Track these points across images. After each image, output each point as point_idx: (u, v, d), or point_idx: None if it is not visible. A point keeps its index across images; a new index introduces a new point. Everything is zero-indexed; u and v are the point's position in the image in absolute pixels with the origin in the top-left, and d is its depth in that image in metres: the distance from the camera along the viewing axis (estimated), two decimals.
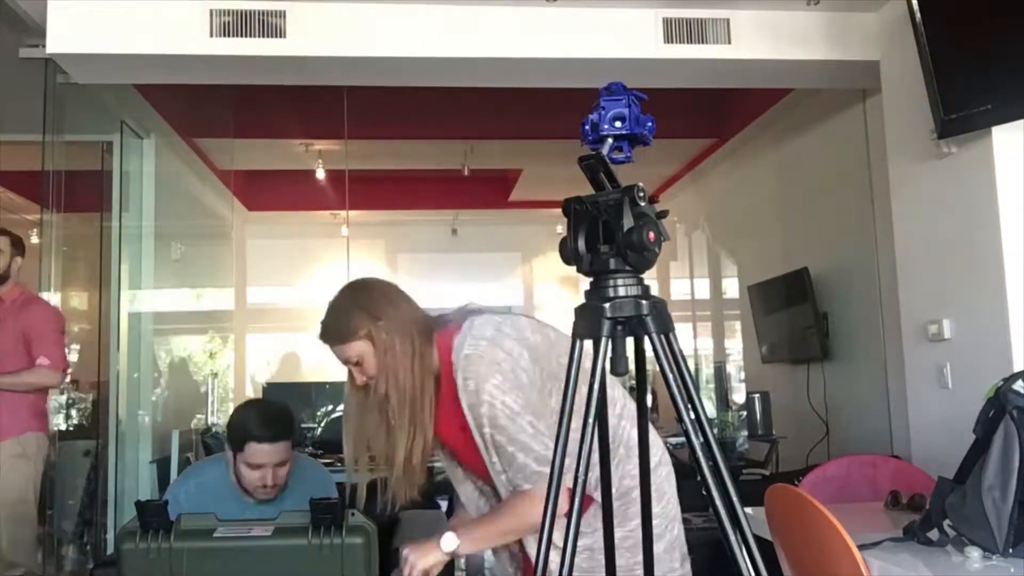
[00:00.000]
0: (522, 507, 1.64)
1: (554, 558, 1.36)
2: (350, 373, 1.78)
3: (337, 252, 6.20)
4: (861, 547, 1.77)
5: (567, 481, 1.21)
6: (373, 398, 1.76)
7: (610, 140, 1.23)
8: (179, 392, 5.30)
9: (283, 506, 2.27)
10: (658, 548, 1.73)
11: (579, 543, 1.57)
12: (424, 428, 1.71)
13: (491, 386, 1.63)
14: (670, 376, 1.19)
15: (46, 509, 3.65)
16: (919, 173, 3.18)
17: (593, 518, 1.62)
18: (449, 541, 1.67)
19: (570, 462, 1.20)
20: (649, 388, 4.76)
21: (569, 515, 1.18)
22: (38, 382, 3.29)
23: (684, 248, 6.83)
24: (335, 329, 1.74)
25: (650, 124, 1.25)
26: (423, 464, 1.74)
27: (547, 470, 1.28)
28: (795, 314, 4.63)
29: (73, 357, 5.64)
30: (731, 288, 6.13)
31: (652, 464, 1.75)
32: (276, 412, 2.27)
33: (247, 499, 2.29)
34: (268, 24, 3.24)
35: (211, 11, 3.22)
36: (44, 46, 3.20)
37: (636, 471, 1.71)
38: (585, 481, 1.19)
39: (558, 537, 1.16)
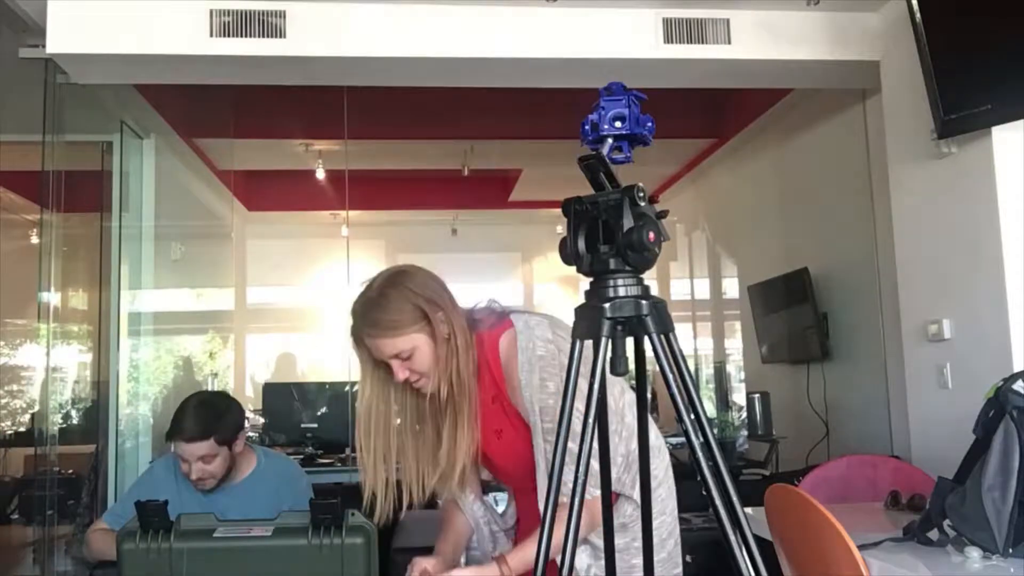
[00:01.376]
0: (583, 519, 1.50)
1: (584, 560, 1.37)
2: (367, 372, 1.68)
3: (337, 252, 6.19)
4: (861, 547, 1.77)
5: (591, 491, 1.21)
6: (410, 399, 1.69)
7: (610, 140, 1.23)
8: (179, 392, 5.29)
9: (237, 501, 2.40)
10: (669, 545, 1.72)
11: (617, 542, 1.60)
12: (477, 427, 1.66)
13: (553, 373, 1.59)
14: (670, 376, 1.19)
15: (45, 509, 3.64)
16: (919, 173, 3.18)
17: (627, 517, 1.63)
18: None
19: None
20: (649, 388, 4.77)
21: (569, 515, 1.18)
22: None
23: (684, 248, 6.83)
24: (386, 319, 1.61)
25: (650, 124, 1.25)
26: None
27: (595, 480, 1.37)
28: (795, 314, 4.63)
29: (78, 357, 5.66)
30: (731, 288, 6.13)
31: (664, 468, 1.80)
32: (201, 410, 2.35)
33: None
34: (268, 24, 3.24)
35: (211, 11, 3.22)
36: (44, 46, 3.20)
37: (659, 472, 1.76)
38: (585, 481, 1.19)
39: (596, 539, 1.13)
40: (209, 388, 5.76)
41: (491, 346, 1.68)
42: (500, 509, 1.88)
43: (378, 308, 1.63)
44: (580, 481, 1.18)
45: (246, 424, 2.50)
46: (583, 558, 1.64)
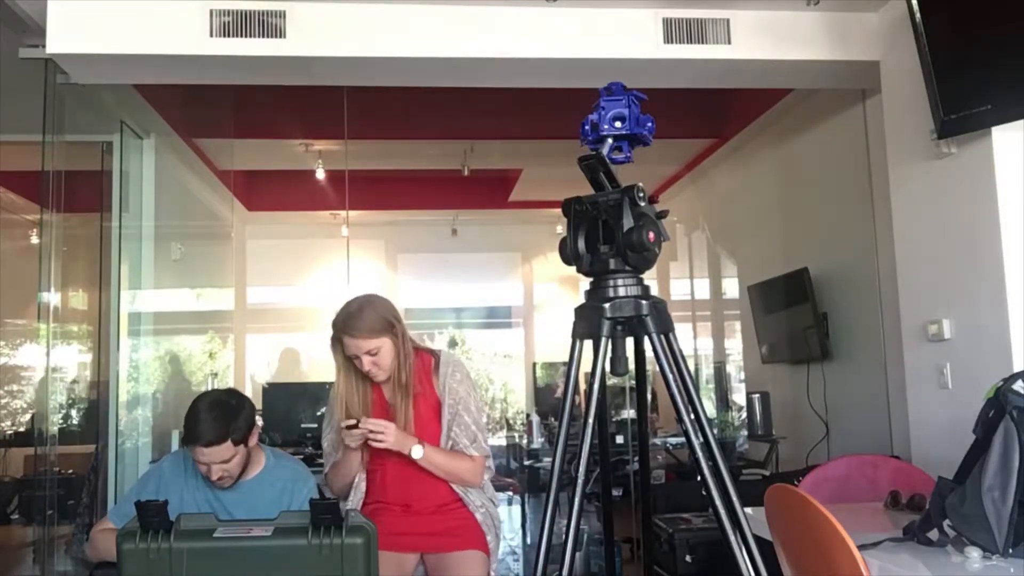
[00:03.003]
0: (467, 463, 2.40)
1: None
2: (345, 364, 2.42)
3: (337, 252, 6.19)
4: (861, 547, 1.77)
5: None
6: (364, 383, 2.44)
7: (610, 140, 1.23)
8: (179, 392, 5.29)
9: (245, 498, 2.39)
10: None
11: (481, 501, 2.43)
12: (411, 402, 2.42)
13: (469, 384, 2.47)
14: (670, 376, 1.19)
15: (45, 509, 3.64)
16: (919, 173, 3.18)
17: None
18: (418, 451, 2.32)
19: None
20: (649, 388, 4.77)
21: (569, 516, 1.18)
22: None
23: (684, 248, 6.82)
24: (368, 324, 2.33)
25: (650, 124, 1.25)
26: None
27: (480, 447, 2.40)
28: (795, 314, 4.63)
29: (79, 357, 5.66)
30: (731, 288, 6.13)
31: None
32: (215, 413, 2.30)
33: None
34: (268, 24, 3.24)
35: (211, 11, 3.22)
36: (44, 46, 3.20)
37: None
38: (586, 481, 1.20)
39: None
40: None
41: (425, 360, 2.49)
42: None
43: (362, 316, 2.34)
44: (581, 481, 1.18)
45: (257, 419, 2.49)
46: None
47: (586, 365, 1.34)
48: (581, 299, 1.28)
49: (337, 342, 2.38)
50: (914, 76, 2.96)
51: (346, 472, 2.43)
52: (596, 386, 1.20)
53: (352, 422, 2.31)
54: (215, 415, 2.30)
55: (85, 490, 4.35)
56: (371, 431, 2.27)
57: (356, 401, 2.42)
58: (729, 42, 3.43)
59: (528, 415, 6.43)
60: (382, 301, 2.41)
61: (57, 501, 3.71)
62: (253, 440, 2.40)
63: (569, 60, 3.43)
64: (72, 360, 5.61)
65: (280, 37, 3.24)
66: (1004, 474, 1.83)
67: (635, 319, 1.22)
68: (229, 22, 3.22)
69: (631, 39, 3.42)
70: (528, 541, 5.00)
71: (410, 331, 2.48)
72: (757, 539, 1.15)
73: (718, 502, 1.14)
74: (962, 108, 2.77)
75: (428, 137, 5.62)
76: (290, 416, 4.83)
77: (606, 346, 1.21)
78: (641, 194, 1.21)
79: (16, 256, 5.84)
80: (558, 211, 1.29)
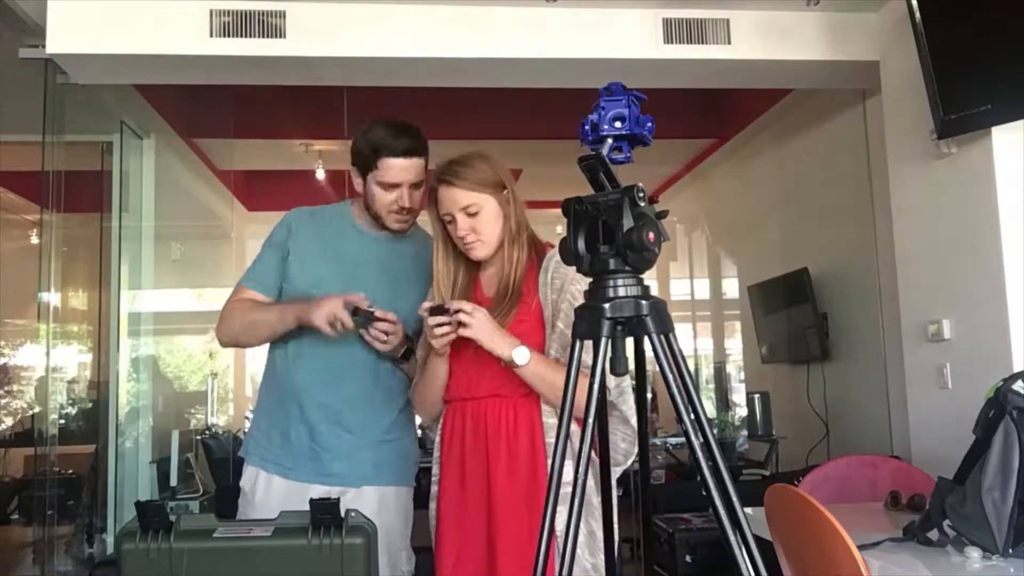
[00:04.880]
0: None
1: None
2: (444, 238, 1.92)
3: None
4: (861, 547, 1.77)
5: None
6: (463, 269, 1.95)
7: (610, 140, 1.23)
8: (179, 392, 5.30)
9: (400, 251, 2.15)
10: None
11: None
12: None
13: (576, 289, 1.81)
14: (670, 376, 1.19)
15: (45, 510, 3.65)
16: (919, 173, 3.18)
17: None
18: (522, 355, 1.73)
19: None
20: (649, 388, 4.77)
21: (568, 520, 1.18)
22: None
23: (684, 248, 6.83)
24: (474, 173, 1.87)
25: (650, 124, 1.25)
26: None
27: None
28: (795, 314, 4.63)
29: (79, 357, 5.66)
30: (731, 288, 6.13)
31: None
32: (402, 126, 2.06)
33: (374, 232, 2.15)
34: (268, 24, 3.24)
35: (211, 11, 3.22)
36: (44, 46, 3.20)
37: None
38: (585, 481, 1.19)
39: None
40: (209, 389, 5.76)
41: (537, 254, 1.96)
42: None
43: (463, 164, 1.89)
44: (580, 481, 1.18)
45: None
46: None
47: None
48: (581, 299, 1.28)
49: (432, 203, 1.92)
50: (914, 76, 2.96)
51: (430, 386, 1.92)
52: (596, 386, 1.20)
53: (435, 304, 1.79)
54: (401, 126, 2.03)
55: (85, 490, 4.35)
56: (456, 313, 1.73)
57: (448, 284, 1.94)
58: (729, 42, 3.43)
59: None
60: (497, 158, 1.96)
61: (57, 501, 3.71)
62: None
63: (569, 60, 3.43)
64: (72, 360, 5.61)
65: (280, 37, 3.25)
66: (1004, 474, 1.83)
67: (635, 319, 1.21)
68: (229, 22, 3.22)
69: (631, 39, 3.42)
70: None
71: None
72: (757, 539, 1.15)
73: (718, 502, 1.13)
74: (962, 108, 2.77)
75: (428, 137, 5.61)
76: None
77: (606, 346, 1.21)
78: (641, 194, 1.21)
79: (16, 256, 5.84)
80: (558, 211, 1.29)
